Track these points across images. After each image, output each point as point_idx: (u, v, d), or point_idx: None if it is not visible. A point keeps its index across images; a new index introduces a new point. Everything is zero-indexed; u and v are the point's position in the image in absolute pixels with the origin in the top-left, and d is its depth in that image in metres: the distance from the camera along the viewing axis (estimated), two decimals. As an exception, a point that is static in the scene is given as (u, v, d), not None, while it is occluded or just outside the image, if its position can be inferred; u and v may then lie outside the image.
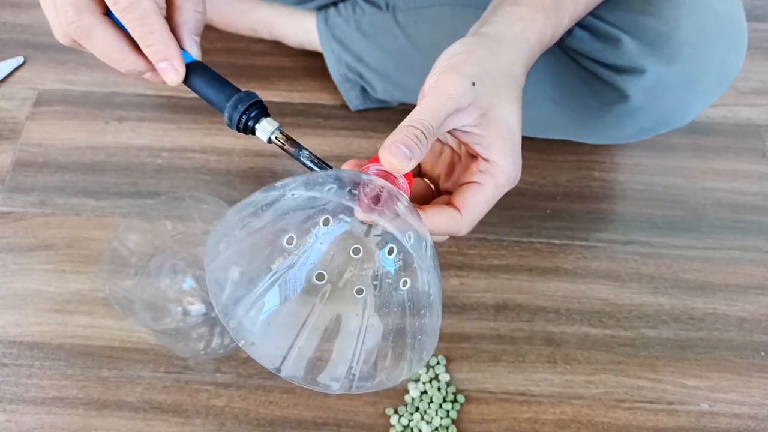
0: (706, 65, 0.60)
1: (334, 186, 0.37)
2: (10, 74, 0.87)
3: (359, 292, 0.41)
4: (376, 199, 0.37)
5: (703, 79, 0.61)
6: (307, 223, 0.40)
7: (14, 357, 0.67)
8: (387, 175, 0.40)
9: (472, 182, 0.44)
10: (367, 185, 0.38)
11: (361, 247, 0.40)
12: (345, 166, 0.44)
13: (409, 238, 0.36)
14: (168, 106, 0.85)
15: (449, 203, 0.43)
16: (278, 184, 0.37)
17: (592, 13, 0.60)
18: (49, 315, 0.70)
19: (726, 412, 0.65)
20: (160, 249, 0.68)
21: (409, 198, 0.41)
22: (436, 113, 0.40)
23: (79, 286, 0.71)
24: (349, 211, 0.38)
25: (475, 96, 0.42)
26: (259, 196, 0.38)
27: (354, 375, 0.41)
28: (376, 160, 0.40)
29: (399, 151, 0.38)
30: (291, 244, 0.40)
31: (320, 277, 0.41)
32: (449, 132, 0.44)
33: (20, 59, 0.88)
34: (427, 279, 0.38)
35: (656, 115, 0.65)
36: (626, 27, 0.59)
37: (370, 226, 0.40)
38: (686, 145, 0.82)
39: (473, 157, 0.45)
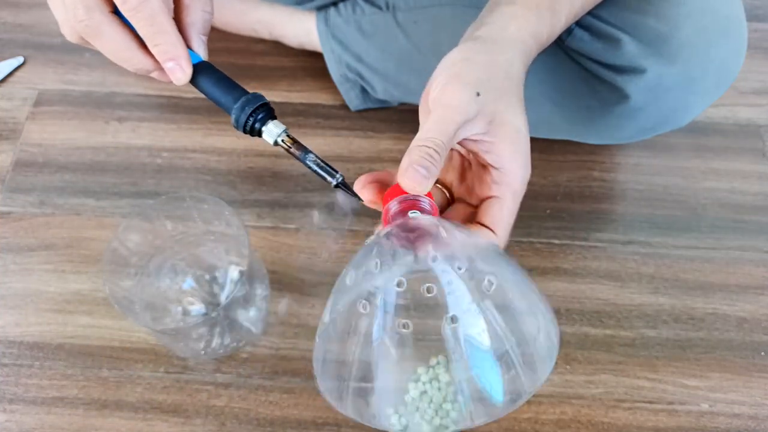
0: (706, 65, 0.60)
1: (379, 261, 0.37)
2: (10, 74, 0.87)
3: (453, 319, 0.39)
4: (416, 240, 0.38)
5: (703, 79, 0.61)
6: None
7: (14, 357, 0.67)
8: (413, 204, 0.40)
9: (493, 197, 0.44)
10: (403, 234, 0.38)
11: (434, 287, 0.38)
12: (365, 185, 0.44)
13: (459, 267, 0.36)
14: (168, 106, 0.85)
15: (479, 223, 0.44)
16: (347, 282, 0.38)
17: (592, 13, 0.60)
18: (49, 315, 0.70)
19: (726, 412, 0.65)
20: (160, 249, 0.68)
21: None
22: (445, 129, 0.40)
23: (79, 286, 0.71)
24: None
25: (481, 105, 0.42)
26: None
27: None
28: (394, 191, 0.41)
29: (417, 174, 0.39)
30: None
31: (405, 326, 0.39)
32: (459, 142, 0.44)
33: (20, 59, 0.88)
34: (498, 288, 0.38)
35: (656, 115, 0.65)
36: (626, 27, 0.59)
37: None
38: (686, 145, 0.82)
39: (484, 167, 0.45)
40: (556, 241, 0.75)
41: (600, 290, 0.72)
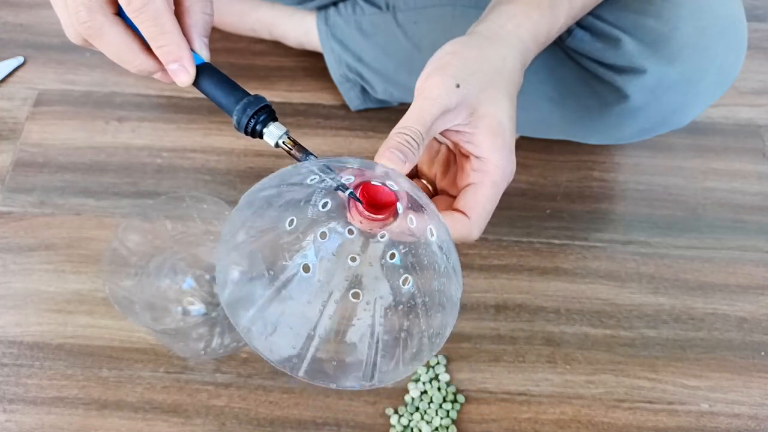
0: (706, 66, 0.60)
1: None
2: (10, 74, 0.87)
3: (356, 295, 0.42)
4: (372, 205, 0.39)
5: (703, 79, 0.61)
6: (309, 223, 0.41)
7: (14, 357, 0.67)
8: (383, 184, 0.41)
9: (470, 184, 0.44)
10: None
11: (358, 257, 0.42)
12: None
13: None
14: (168, 106, 0.85)
15: (454, 209, 0.44)
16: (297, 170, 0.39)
17: (592, 13, 0.60)
18: (49, 315, 0.70)
19: (726, 412, 0.65)
20: (160, 249, 0.68)
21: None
22: (422, 118, 0.42)
23: (79, 286, 0.71)
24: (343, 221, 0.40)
25: (463, 96, 0.43)
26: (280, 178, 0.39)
27: (371, 374, 0.41)
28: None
29: (393, 156, 0.40)
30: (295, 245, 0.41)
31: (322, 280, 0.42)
32: (441, 133, 0.44)
33: (20, 59, 0.88)
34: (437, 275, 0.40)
35: (656, 116, 0.65)
36: (626, 27, 0.59)
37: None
38: (686, 145, 0.82)
39: (466, 157, 0.45)
40: (556, 241, 0.75)
41: (600, 290, 0.72)
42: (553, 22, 0.50)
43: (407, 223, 0.40)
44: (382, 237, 0.41)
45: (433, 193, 0.48)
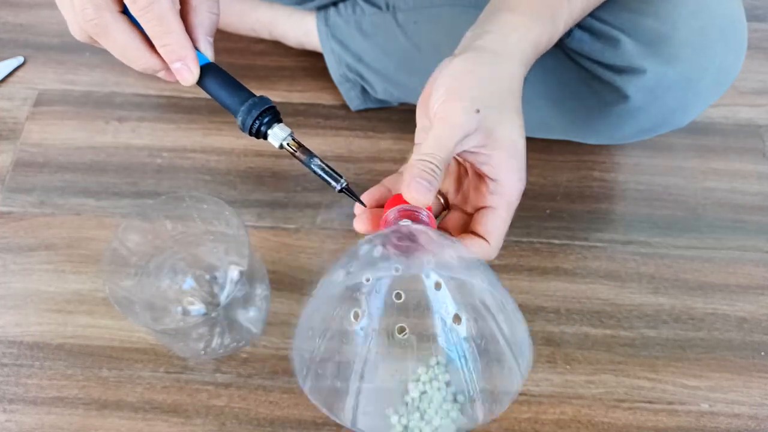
0: (705, 66, 0.60)
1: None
2: (10, 74, 0.87)
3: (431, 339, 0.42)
4: (406, 247, 0.40)
5: (702, 79, 0.61)
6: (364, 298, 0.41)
7: (14, 357, 0.67)
8: (412, 214, 0.42)
9: (488, 207, 0.45)
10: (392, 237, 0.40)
11: (402, 293, 0.41)
12: (362, 215, 0.47)
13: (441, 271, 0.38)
14: (168, 106, 0.85)
15: (473, 232, 0.45)
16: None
17: (592, 14, 0.60)
18: (49, 315, 0.70)
19: (726, 412, 0.65)
20: (160, 249, 0.68)
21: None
22: (444, 146, 0.42)
23: (79, 286, 0.71)
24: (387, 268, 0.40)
25: (480, 120, 0.43)
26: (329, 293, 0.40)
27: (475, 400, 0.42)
28: (395, 200, 0.43)
29: (420, 186, 0.41)
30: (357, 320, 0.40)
31: (401, 330, 0.41)
32: (457, 153, 0.45)
33: (20, 59, 0.88)
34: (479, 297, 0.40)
35: (656, 116, 0.65)
36: (625, 27, 0.59)
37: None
38: (686, 145, 0.82)
39: (480, 176, 0.46)
40: (556, 241, 0.75)
41: (600, 290, 0.72)
42: (553, 31, 0.50)
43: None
44: (423, 266, 0.40)
45: (446, 207, 0.49)
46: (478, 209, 0.46)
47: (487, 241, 0.45)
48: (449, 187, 0.49)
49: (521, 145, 0.45)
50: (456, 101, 0.43)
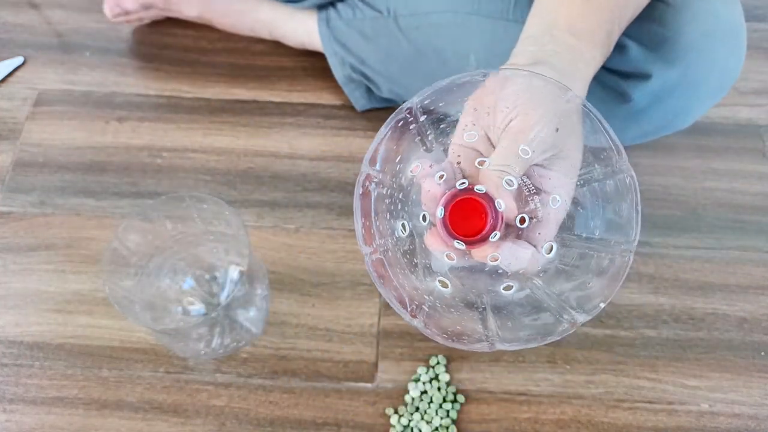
0: (709, 69, 0.60)
1: None
2: (10, 74, 0.87)
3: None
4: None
5: (705, 82, 0.61)
6: None
7: (14, 357, 0.67)
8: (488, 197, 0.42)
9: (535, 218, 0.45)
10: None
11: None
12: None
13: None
14: (168, 106, 0.85)
15: (522, 238, 0.45)
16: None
17: None
18: (49, 315, 0.70)
19: (726, 412, 0.65)
20: (160, 249, 0.68)
21: None
22: (524, 164, 0.42)
23: (79, 286, 0.72)
24: None
25: (557, 138, 0.43)
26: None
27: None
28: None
29: (508, 194, 0.41)
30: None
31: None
32: None
33: (20, 59, 0.88)
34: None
35: (659, 119, 0.65)
36: (631, 33, 0.59)
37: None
38: (686, 145, 0.82)
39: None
40: (556, 241, 0.75)
41: (600, 290, 0.72)
42: (606, 53, 0.51)
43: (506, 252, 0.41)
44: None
45: None
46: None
47: (537, 248, 0.44)
48: None
49: (579, 165, 0.45)
50: (539, 118, 0.42)
